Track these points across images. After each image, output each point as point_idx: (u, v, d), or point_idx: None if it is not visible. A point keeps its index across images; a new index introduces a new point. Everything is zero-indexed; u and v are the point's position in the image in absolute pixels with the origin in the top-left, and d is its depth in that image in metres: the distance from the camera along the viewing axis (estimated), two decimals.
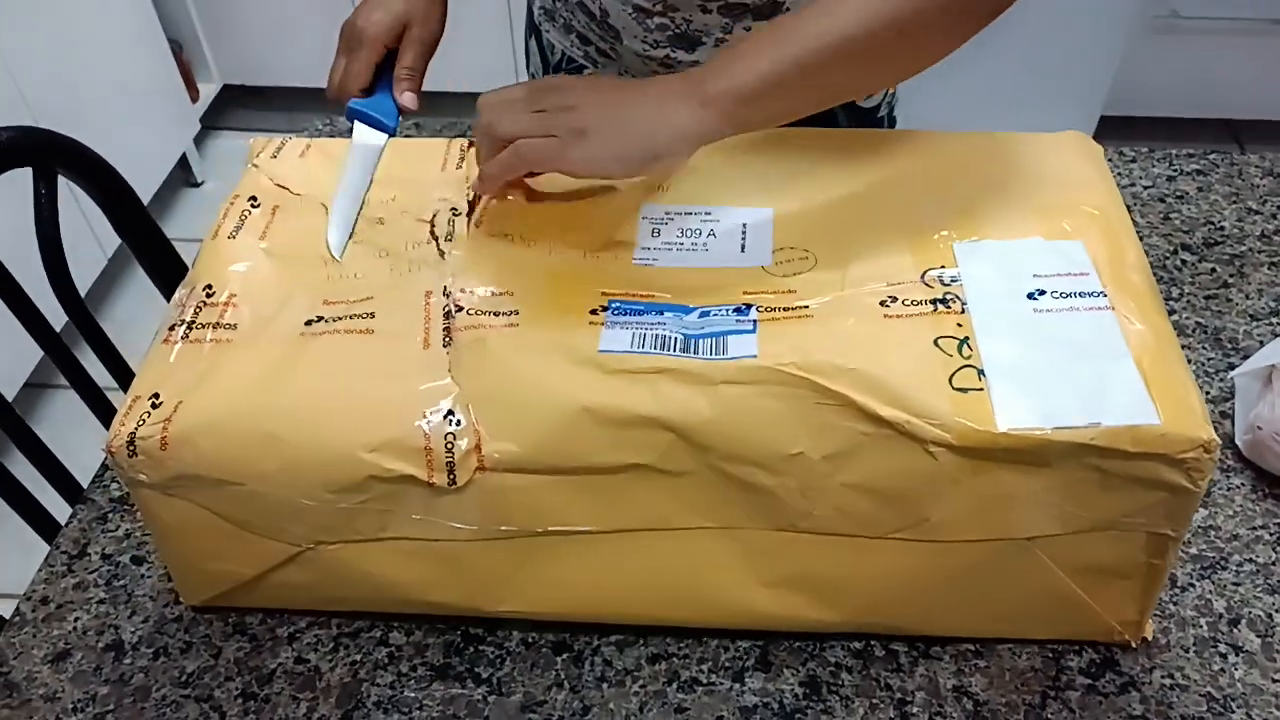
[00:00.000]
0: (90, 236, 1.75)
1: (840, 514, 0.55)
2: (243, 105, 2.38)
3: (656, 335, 0.55)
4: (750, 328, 0.56)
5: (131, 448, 0.54)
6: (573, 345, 0.55)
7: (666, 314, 0.57)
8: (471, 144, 0.71)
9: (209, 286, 0.61)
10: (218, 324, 0.59)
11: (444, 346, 0.56)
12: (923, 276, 0.58)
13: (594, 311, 0.57)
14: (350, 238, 0.64)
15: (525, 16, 0.94)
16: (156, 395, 0.55)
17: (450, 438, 0.53)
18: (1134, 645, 0.61)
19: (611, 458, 0.54)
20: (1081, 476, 0.52)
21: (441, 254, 0.62)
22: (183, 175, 2.22)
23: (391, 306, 0.59)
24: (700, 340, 0.55)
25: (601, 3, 0.80)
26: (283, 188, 0.67)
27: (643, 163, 0.59)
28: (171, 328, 0.59)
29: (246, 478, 0.55)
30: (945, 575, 0.57)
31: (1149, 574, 0.56)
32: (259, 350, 0.57)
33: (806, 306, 0.57)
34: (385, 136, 0.70)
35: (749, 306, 0.57)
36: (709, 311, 0.57)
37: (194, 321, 0.59)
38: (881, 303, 0.57)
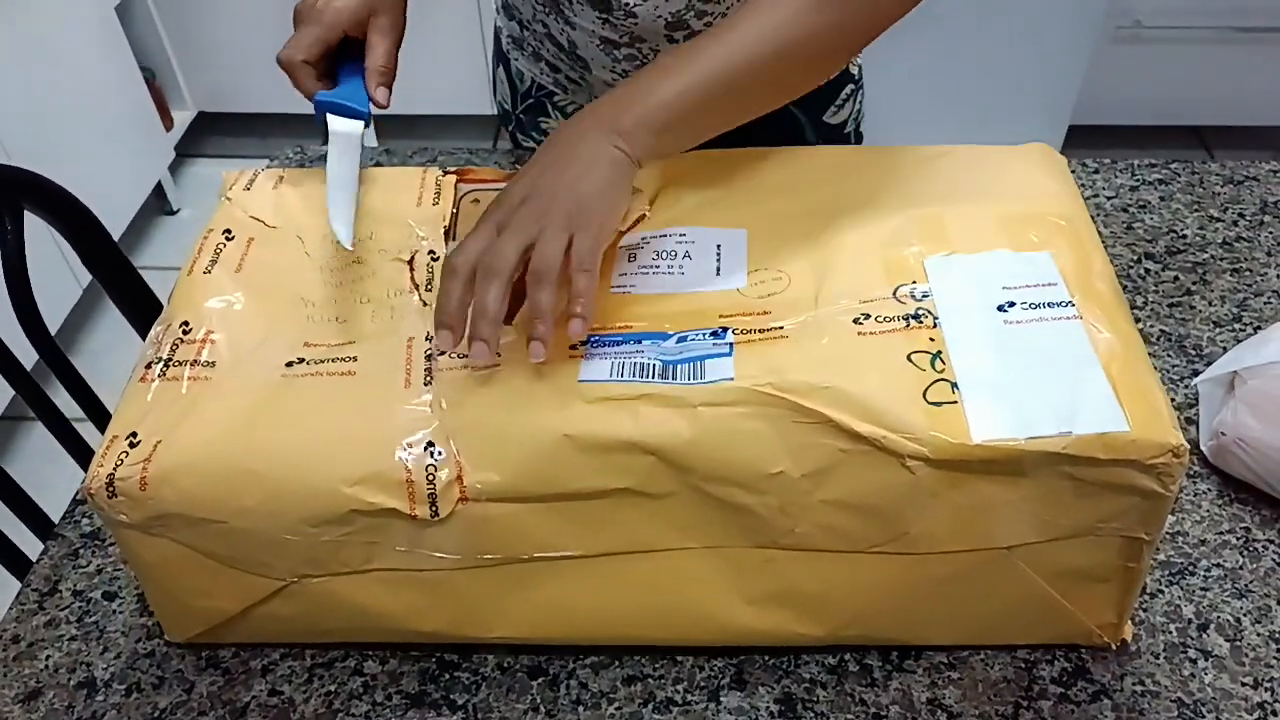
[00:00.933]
0: (65, 267, 1.74)
1: (821, 530, 0.55)
2: (217, 132, 2.38)
3: (635, 363, 0.56)
4: (727, 350, 0.56)
5: (111, 489, 0.54)
6: (553, 376, 0.56)
7: (644, 342, 0.58)
8: (448, 173, 0.71)
9: (185, 323, 0.61)
10: (195, 361, 0.59)
11: (425, 385, 0.56)
12: (894, 293, 0.59)
13: (573, 346, 0.57)
14: (355, 221, 0.64)
15: (493, 45, 0.95)
16: (134, 434, 0.55)
17: (431, 469, 0.53)
18: (1114, 647, 0.61)
19: (593, 483, 0.54)
20: (1056, 485, 0.53)
21: (424, 303, 0.62)
22: (158, 203, 2.22)
23: (373, 351, 0.59)
24: (678, 365, 0.56)
25: (570, 34, 0.80)
26: (257, 220, 0.67)
27: (617, 215, 0.61)
28: (148, 365, 0.59)
29: (228, 515, 0.54)
30: (927, 586, 0.58)
31: (1125, 577, 0.57)
32: (238, 389, 0.57)
33: (781, 327, 0.58)
34: (361, 123, 0.69)
35: (725, 330, 0.58)
36: (686, 336, 0.58)
37: (171, 359, 0.59)
38: (855, 320, 0.57)
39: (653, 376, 0.55)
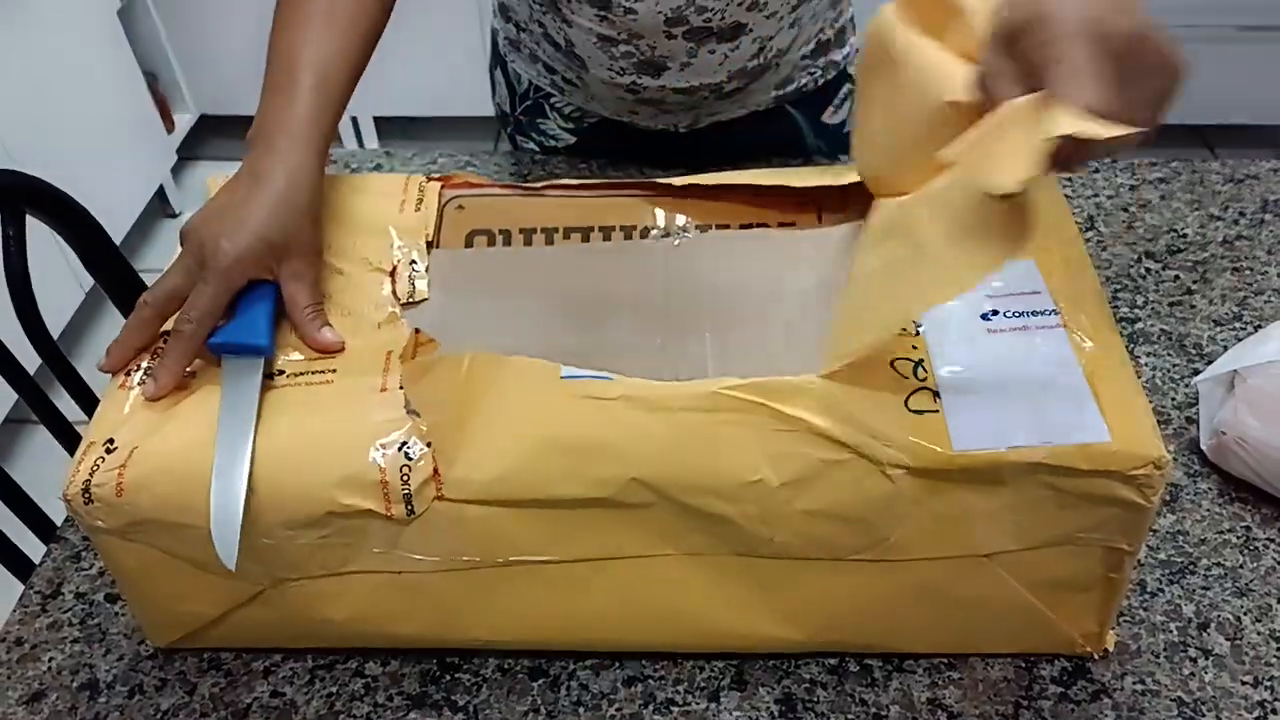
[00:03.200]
0: (67, 271, 1.74)
1: (800, 539, 0.55)
2: (220, 135, 2.39)
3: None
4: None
5: (87, 495, 0.54)
6: (534, 372, 0.56)
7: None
8: (430, 179, 0.70)
9: (165, 333, 0.60)
10: None
11: (400, 389, 0.56)
12: None
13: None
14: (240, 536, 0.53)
15: (490, 48, 0.95)
16: (111, 441, 0.55)
17: (405, 469, 0.53)
18: (1096, 657, 0.61)
19: (570, 491, 0.54)
20: (1036, 495, 0.53)
21: (405, 313, 0.62)
22: (161, 206, 2.22)
23: (353, 363, 0.59)
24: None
25: (567, 33, 0.80)
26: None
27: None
28: (127, 373, 0.59)
29: (204, 519, 0.54)
30: (908, 593, 0.57)
31: (1107, 587, 0.57)
32: (216, 398, 0.56)
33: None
34: (262, 360, 0.58)
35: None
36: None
37: (150, 368, 0.59)
38: None
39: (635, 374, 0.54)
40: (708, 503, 0.54)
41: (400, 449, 0.53)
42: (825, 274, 0.61)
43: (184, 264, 0.59)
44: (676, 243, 0.66)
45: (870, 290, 0.54)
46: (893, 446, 0.52)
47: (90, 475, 0.54)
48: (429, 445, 0.53)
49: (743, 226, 0.67)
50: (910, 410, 0.53)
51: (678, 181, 0.68)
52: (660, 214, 0.68)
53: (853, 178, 0.63)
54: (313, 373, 0.58)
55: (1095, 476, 0.51)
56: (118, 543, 0.56)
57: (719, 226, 0.67)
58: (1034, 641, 0.61)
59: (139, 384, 0.58)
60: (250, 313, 0.59)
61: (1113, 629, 0.61)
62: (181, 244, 0.60)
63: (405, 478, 0.53)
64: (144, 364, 0.59)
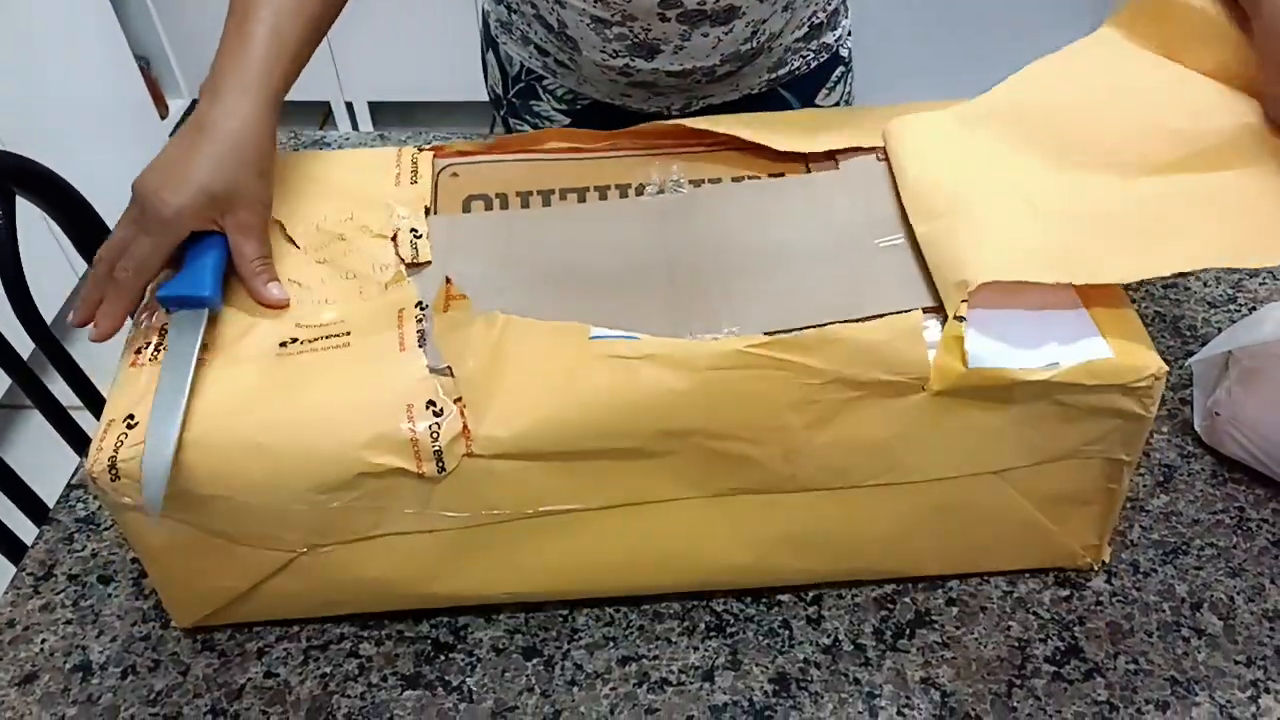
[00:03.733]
0: (60, 255, 1.74)
1: (823, 471, 0.57)
2: None
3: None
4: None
5: (114, 470, 0.53)
6: (563, 333, 0.56)
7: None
8: (424, 150, 0.70)
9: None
10: None
11: (419, 347, 0.57)
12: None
13: None
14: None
15: (481, 30, 0.94)
16: (131, 416, 0.55)
17: (434, 427, 0.54)
18: (1095, 567, 0.64)
19: (598, 444, 0.55)
20: (1044, 410, 0.55)
21: (409, 276, 0.62)
22: None
23: (366, 324, 0.59)
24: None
25: (559, 14, 0.80)
26: None
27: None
28: (138, 350, 0.58)
29: (234, 489, 0.54)
30: (922, 515, 0.60)
31: (1106, 498, 0.61)
32: (234, 369, 0.57)
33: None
34: (205, 312, 0.58)
35: None
36: None
37: (160, 344, 0.58)
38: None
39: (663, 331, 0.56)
40: (733, 447, 0.56)
41: (429, 406, 0.54)
42: (820, 219, 0.64)
43: (130, 215, 0.59)
44: (673, 198, 0.67)
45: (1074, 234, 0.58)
46: (913, 374, 0.54)
47: (115, 451, 0.53)
48: (457, 401, 0.54)
49: (734, 180, 0.68)
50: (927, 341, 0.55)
51: (666, 125, 0.70)
52: (654, 171, 0.69)
53: (833, 134, 0.68)
54: (327, 337, 0.58)
55: (1099, 390, 0.55)
56: (144, 519, 0.56)
57: (711, 181, 0.68)
58: (1038, 556, 0.64)
59: (149, 360, 0.58)
60: (196, 265, 0.59)
61: (1109, 543, 0.64)
62: (130, 202, 0.60)
63: (435, 435, 0.53)
64: (153, 341, 0.59)
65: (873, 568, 0.64)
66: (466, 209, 0.67)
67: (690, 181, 0.68)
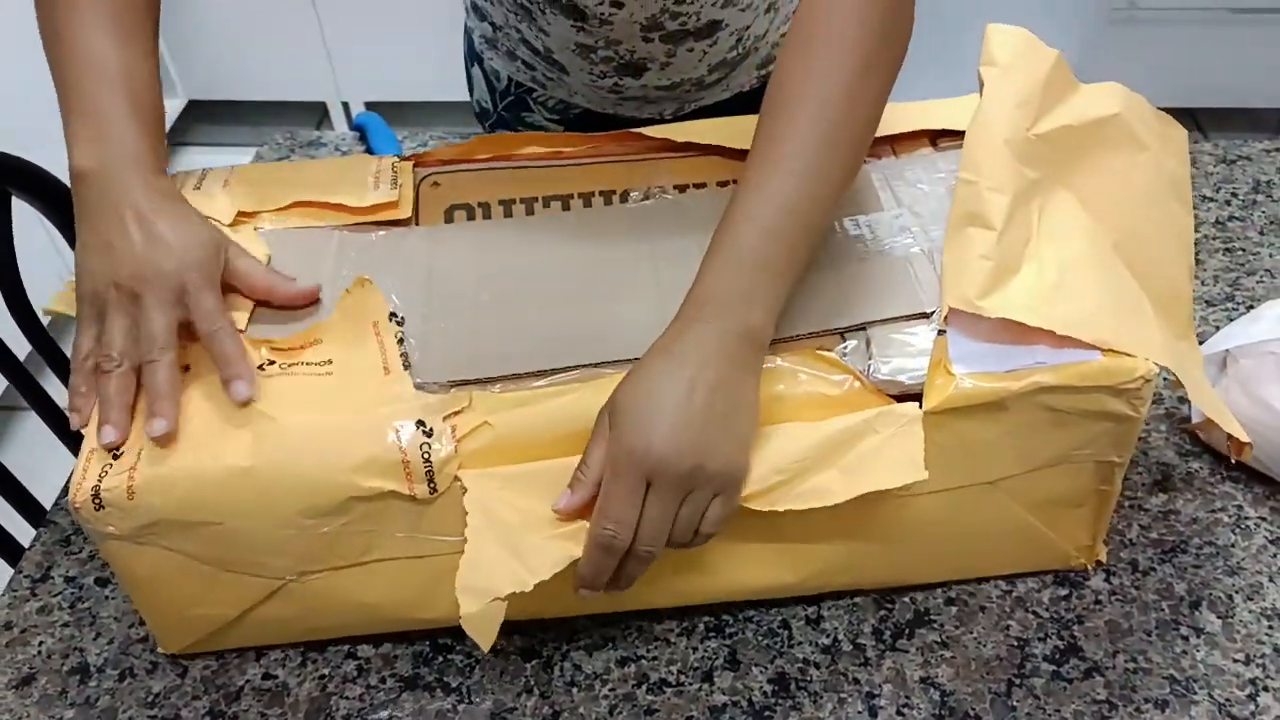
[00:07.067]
0: (55, 255, 1.73)
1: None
2: (208, 121, 2.37)
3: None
4: None
5: (97, 500, 0.52)
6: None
7: None
8: (405, 159, 0.69)
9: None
10: None
11: (404, 370, 0.56)
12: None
13: None
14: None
15: (464, 44, 0.93)
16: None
17: (425, 447, 0.53)
18: (1089, 568, 0.64)
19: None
20: (1036, 418, 0.56)
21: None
22: None
23: (342, 340, 0.57)
24: None
25: (544, 40, 0.80)
26: (211, 220, 0.63)
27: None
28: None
29: (222, 516, 0.53)
30: (915, 528, 0.60)
31: (1099, 500, 0.61)
32: (216, 392, 0.55)
33: None
34: None
35: None
36: None
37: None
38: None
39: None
40: None
41: (419, 427, 0.53)
42: None
43: (125, 308, 0.55)
44: (657, 204, 0.66)
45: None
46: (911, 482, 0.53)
47: (99, 480, 0.52)
48: (447, 418, 0.53)
49: (719, 184, 0.67)
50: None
51: (649, 132, 0.69)
52: (638, 177, 0.68)
53: None
54: (307, 363, 0.57)
55: (1089, 392, 0.55)
56: (130, 548, 0.54)
57: (696, 186, 0.67)
58: (1033, 559, 0.64)
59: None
60: None
61: (1104, 542, 0.64)
62: (91, 301, 0.55)
63: (426, 455, 0.53)
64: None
65: (867, 579, 0.63)
66: (449, 219, 0.66)
67: (675, 187, 0.67)
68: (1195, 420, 0.72)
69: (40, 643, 0.63)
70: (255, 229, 0.65)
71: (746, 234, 0.53)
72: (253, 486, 0.53)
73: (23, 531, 0.78)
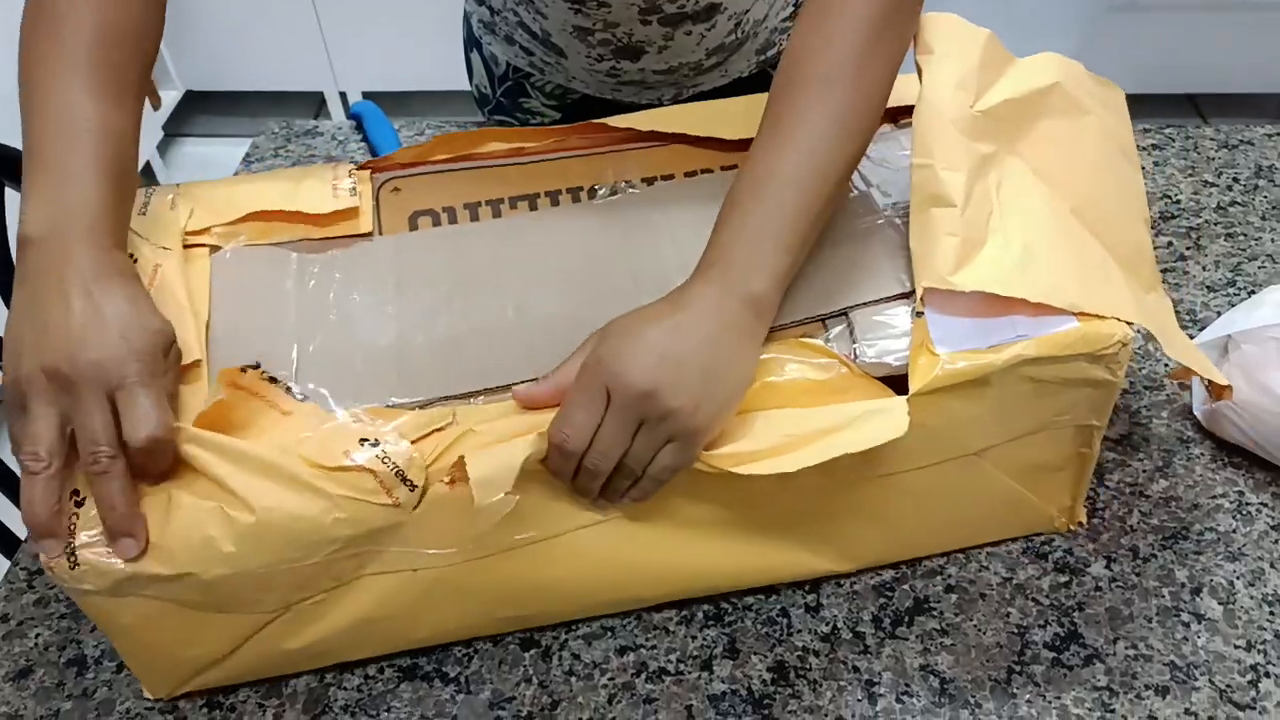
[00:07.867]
0: None
1: (804, 482, 0.55)
2: (205, 111, 2.36)
3: None
4: None
5: (72, 559, 0.49)
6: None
7: None
8: (362, 167, 0.67)
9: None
10: None
11: (301, 399, 0.54)
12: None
13: None
14: None
15: (463, 30, 0.93)
16: (76, 492, 0.50)
17: (382, 455, 0.51)
18: (1071, 529, 0.66)
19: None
20: (1018, 390, 0.56)
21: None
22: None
23: (241, 420, 0.54)
24: None
25: (542, 24, 0.79)
26: (164, 247, 0.61)
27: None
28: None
29: (206, 563, 0.50)
30: (903, 502, 0.60)
31: (1079, 462, 0.62)
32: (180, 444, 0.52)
33: None
34: None
35: None
36: None
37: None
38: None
39: None
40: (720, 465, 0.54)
41: (374, 446, 0.51)
42: None
43: (44, 400, 0.48)
44: (626, 198, 0.65)
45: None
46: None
47: (71, 538, 0.50)
48: (401, 435, 0.51)
49: (687, 175, 0.67)
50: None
51: (614, 121, 0.68)
52: (605, 171, 0.67)
53: None
54: (266, 397, 0.54)
55: (1069, 360, 0.55)
56: (110, 601, 0.51)
57: (664, 178, 0.67)
58: (1018, 524, 0.65)
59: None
60: None
61: (1083, 504, 0.66)
62: (16, 386, 0.49)
63: (385, 459, 0.51)
64: None
65: (866, 558, 0.63)
66: (413, 226, 0.64)
67: (643, 179, 0.66)
68: (1197, 407, 0.71)
69: (37, 635, 0.63)
70: (209, 251, 0.62)
71: (752, 206, 0.54)
72: (233, 528, 0.50)
73: (19, 523, 0.78)
